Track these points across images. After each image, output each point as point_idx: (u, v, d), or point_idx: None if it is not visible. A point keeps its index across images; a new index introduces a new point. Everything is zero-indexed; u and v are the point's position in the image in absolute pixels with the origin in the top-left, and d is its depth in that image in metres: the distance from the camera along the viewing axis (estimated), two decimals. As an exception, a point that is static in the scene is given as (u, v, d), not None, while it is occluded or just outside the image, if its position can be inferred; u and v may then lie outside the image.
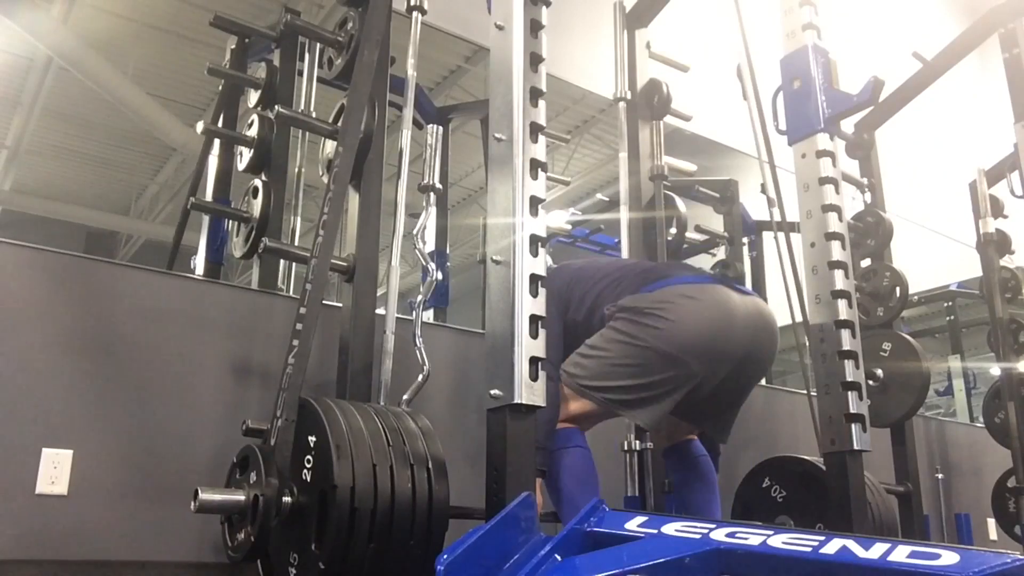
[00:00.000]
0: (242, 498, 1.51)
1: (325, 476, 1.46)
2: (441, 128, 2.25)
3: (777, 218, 2.39)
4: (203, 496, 1.49)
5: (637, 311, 1.95)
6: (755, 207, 3.66)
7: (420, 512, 1.51)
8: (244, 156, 2.59)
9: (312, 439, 1.53)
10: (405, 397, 2.03)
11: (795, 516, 2.47)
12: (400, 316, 2.22)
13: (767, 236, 3.89)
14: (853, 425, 2.08)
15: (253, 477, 1.53)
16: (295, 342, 1.67)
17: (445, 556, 1.13)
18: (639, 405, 1.92)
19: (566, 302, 2.09)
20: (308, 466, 1.52)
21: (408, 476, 1.52)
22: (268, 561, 1.59)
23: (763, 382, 4.06)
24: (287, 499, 1.51)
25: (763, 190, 2.50)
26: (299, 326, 1.68)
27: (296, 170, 2.85)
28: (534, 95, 1.78)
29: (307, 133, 2.93)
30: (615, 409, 1.96)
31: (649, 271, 2.09)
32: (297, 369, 1.63)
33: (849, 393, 2.10)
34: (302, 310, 1.71)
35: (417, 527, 1.50)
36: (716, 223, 3.46)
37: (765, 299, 3.86)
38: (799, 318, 2.26)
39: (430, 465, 1.57)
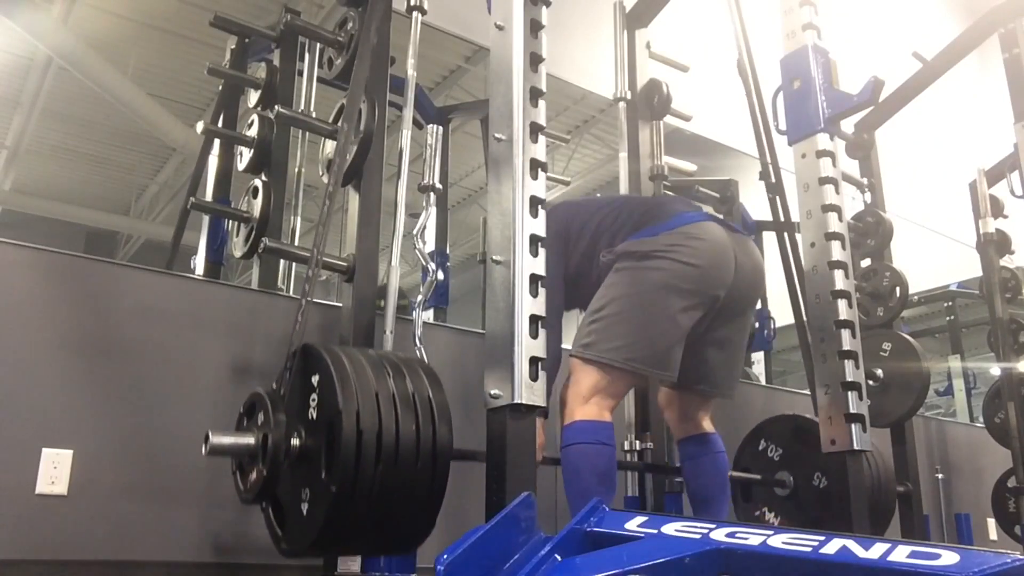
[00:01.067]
0: (252, 440, 1.53)
1: (330, 406, 1.48)
2: (441, 128, 2.25)
3: (778, 218, 2.39)
4: (214, 439, 1.52)
5: (640, 255, 1.96)
6: (755, 207, 3.66)
7: (424, 438, 1.52)
8: (244, 156, 2.59)
9: (316, 378, 1.54)
10: (405, 397, 2.03)
11: (794, 471, 2.53)
12: (400, 316, 2.22)
13: (767, 236, 3.89)
14: (853, 425, 2.08)
15: (261, 419, 1.55)
16: (303, 300, 1.70)
17: (445, 556, 1.13)
18: (655, 358, 1.92)
19: (565, 239, 2.09)
20: (313, 404, 1.54)
21: (411, 403, 1.54)
22: (279, 507, 1.60)
23: (762, 381, 4.08)
24: (295, 441, 1.53)
25: (762, 177, 2.51)
26: (307, 287, 1.71)
27: (296, 170, 2.85)
28: (534, 95, 1.78)
29: (307, 133, 2.93)
30: (635, 367, 1.93)
31: (647, 211, 2.08)
32: (303, 323, 1.66)
33: (849, 393, 2.10)
34: (309, 272, 1.74)
35: (423, 452, 1.51)
36: (716, 223, 3.45)
37: (765, 298, 3.89)
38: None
39: (431, 395, 1.58)
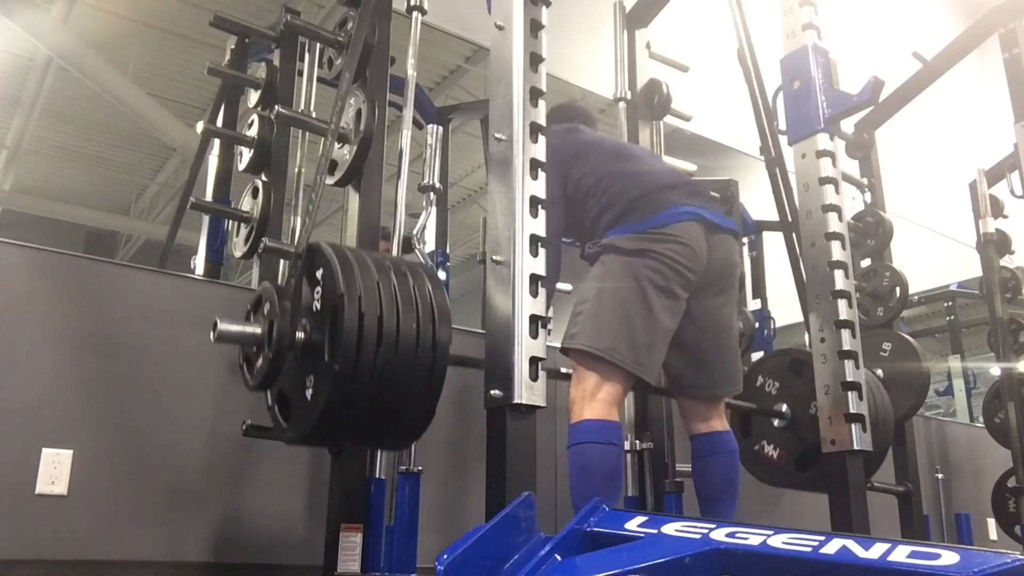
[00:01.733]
0: (258, 330, 1.58)
1: (333, 293, 1.52)
2: (441, 128, 2.25)
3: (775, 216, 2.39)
4: (221, 326, 1.57)
5: (625, 252, 1.99)
6: (755, 207, 3.66)
7: (424, 329, 1.55)
8: (244, 156, 2.59)
9: (320, 272, 1.58)
10: (405, 397, 2.03)
11: (791, 402, 2.57)
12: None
13: (767, 236, 3.90)
14: (853, 425, 2.08)
15: (267, 310, 1.59)
16: (313, 196, 1.73)
17: (445, 556, 1.13)
18: (634, 358, 1.94)
19: (566, 170, 2.12)
20: (317, 296, 1.58)
21: (412, 297, 1.57)
22: (284, 400, 1.64)
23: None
24: (300, 333, 1.57)
25: (761, 151, 2.51)
26: (311, 208, 1.72)
27: (296, 170, 2.85)
28: (534, 95, 1.79)
29: (307, 133, 2.93)
30: (617, 361, 1.94)
31: (636, 199, 2.07)
32: (310, 225, 1.70)
33: (849, 393, 2.10)
34: (317, 179, 1.75)
35: (423, 341, 1.54)
36: (716, 223, 3.46)
37: (765, 298, 3.89)
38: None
39: (432, 293, 1.61)
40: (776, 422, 2.61)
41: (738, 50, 2.57)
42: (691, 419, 2.20)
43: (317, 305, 1.57)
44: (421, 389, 1.56)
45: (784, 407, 2.59)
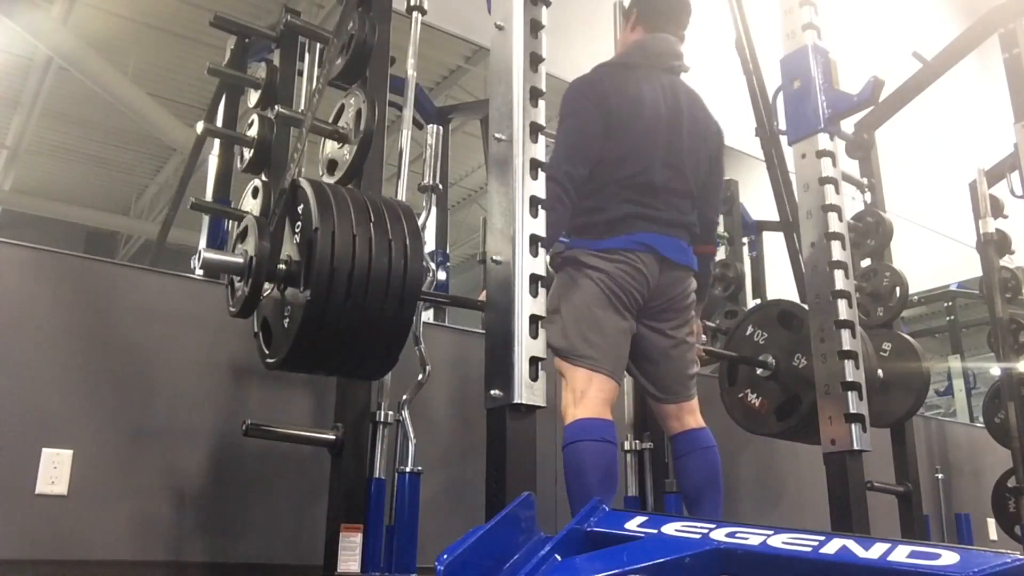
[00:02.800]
0: (241, 260, 1.65)
1: (310, 225, 1.58)
2: (441, 128, 2.25)
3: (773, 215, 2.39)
4: (205, 255, 1.66)
5: (581, 264, 2.09)
6: (755, 207, 3.66)
7: (396, 255, 1.62)
8: (244, 156, 2.59)
9: (300, 207, 1.65)
10: (405, 397, 2.03)
11: (776, 352, 2.62)
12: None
13: (767, 236, 3.90)
14: (853, 425, 2.08)
15: (251, 241, 1.66)
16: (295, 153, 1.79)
17: (445, 556, 1.13)
18: (596, 357, 2.03)
19: (607, 118, 2.13)
20: (297, 230, 1.65)
21: (387, 232, 1.63)
22: (268, 330, 1.72)
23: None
24: (282, 265, 1.64)
25: (756, 133, 2.52)
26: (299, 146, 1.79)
27: (296, 170, 2.85)
28: (534, 95, 1.79)
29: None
30: (586, 364, 2.03)
31: (610, 221, 2.11)
32: (299, 160, 1.76)
33: (849, 393, 2.10)
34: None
35: (394, 273, 1.60)
36: (716, 223, 3.46)
37: (765, 297, 3.89)
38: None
39: (407, 230, 1.66)
40: (760, 372, 2.66)
41: (736, 41, 2.57)
42: (665, 419, 2.25)
43: (297, 238, 1.65)
44: (391, 320, 1.61)
45: (769, 357, 2.63)
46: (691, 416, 2.22)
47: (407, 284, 1.62)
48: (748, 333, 2.72)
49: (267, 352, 1.71)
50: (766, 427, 2.67)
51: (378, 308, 1.59)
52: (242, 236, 1.72)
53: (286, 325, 1.62)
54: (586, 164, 2.10)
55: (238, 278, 1.70)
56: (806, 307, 2.44)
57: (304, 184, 1.66)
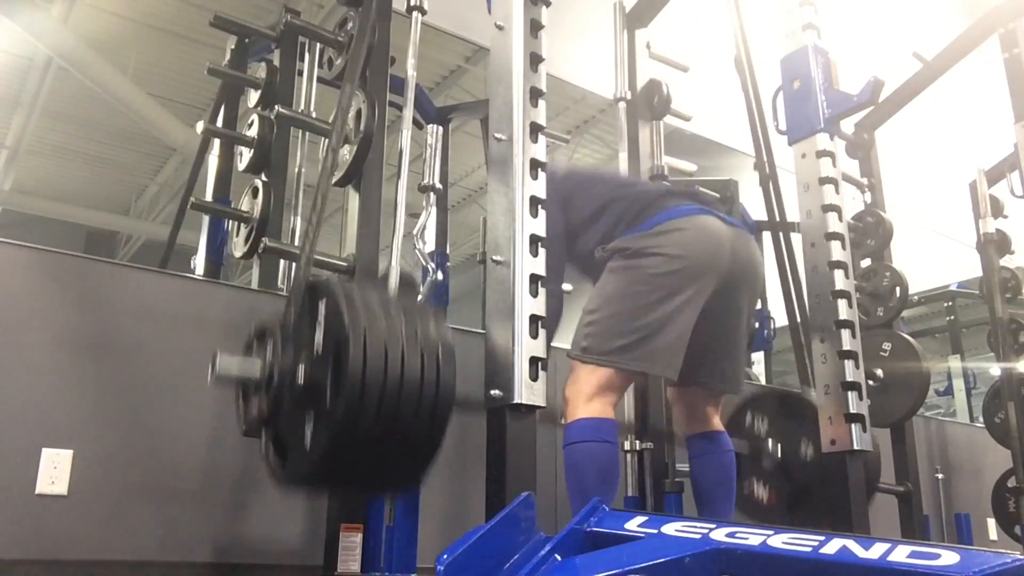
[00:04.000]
0: (258, 370, 1.55)
1: (337, 332, 1.47)
2: (441, 128, 2.25)
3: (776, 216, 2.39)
4: (220, 363, 1.52)
5: (632, 252, 1.98)
6: (755, 207, 3.66)
7: (429, 369, 1.51)
8: (244, 156, 2.59)
9: (322, 310, 1.54)
10: (405, 397, 2.03)
11: (781, 441, 2.54)
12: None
13: (766, 236, 3.89)
14: (853, 425, 2.08)
15: (268, 347, 1.56)
16: (307, 225, 1.70)
17: (445, 556, 1.13)
18: (653, 356, 1.92)
19: (565, 205, 2.09)
20: (319, 335, 1.54)
21: (416, 337, 1.53)
22: (279, 439, 1.60)
23: (763, 381, 4.08)
24: (301, 373, 1.53)
25: (756, 167, 2.51)
26: (313, 219, 1.71)
27: (296, 170, 2.85)
28: (534, 95, 1.79)
29: (307, 133, 2.93)
30: (634, 367, 1.94)
31: (643, 208, 2.07)
32: (313, 242, 1.67)
33: (849, 393, 2.10)
34: (319, 199, 1.73)
35: (427, 381, 1.50)
36: (716, 223, 3.46)
37: (765, 298, 3.89)
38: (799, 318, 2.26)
39: (436, 331, 1.57)
40: (766, 462, 2.56)
41: (736, 57, 2.57)
42: (690, 418, 2.20)
43: (319, 345, 1.52)
44: (425, 434, 1.51)
45: (774, 447, 2.53)
46: (715, 416, 2.20)
47: (441, 389, 1.51)
48: (748, 422, 2.61)
49: (280, 466, 1.57)
50: (778, 520, 2.53)
51: (412, 420, 1.48)
52: (260, 337, 1.60)
53: (308, 442, 1.49)
54: (561, 256, 2.04)
55: (252, 387, 1.57)
56: (803, 395, 2.43)
57: (327, 285, 1.56)
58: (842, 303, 2.15)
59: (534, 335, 1.62)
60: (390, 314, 1.53)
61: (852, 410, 2.09)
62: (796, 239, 2.32)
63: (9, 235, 2.11)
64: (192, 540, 2.09)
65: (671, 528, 1.27)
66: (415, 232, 2.20)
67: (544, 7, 1.86)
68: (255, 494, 2.21)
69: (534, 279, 1.66)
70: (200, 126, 2.68)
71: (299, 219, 2.86)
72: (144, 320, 2.17)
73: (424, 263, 2.20)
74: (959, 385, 6.65)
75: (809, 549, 1.12)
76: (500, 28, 1.84)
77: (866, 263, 3.53)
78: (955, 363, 6.51)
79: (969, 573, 0.99)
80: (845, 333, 2.13)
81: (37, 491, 1.93)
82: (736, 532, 1.20)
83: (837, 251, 2.17)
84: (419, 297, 2.01)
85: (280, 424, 1.57)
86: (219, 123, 2.77)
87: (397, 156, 2.24)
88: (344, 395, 1.42)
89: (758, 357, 4.25)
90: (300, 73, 2.92)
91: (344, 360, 1.43)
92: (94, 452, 2.02)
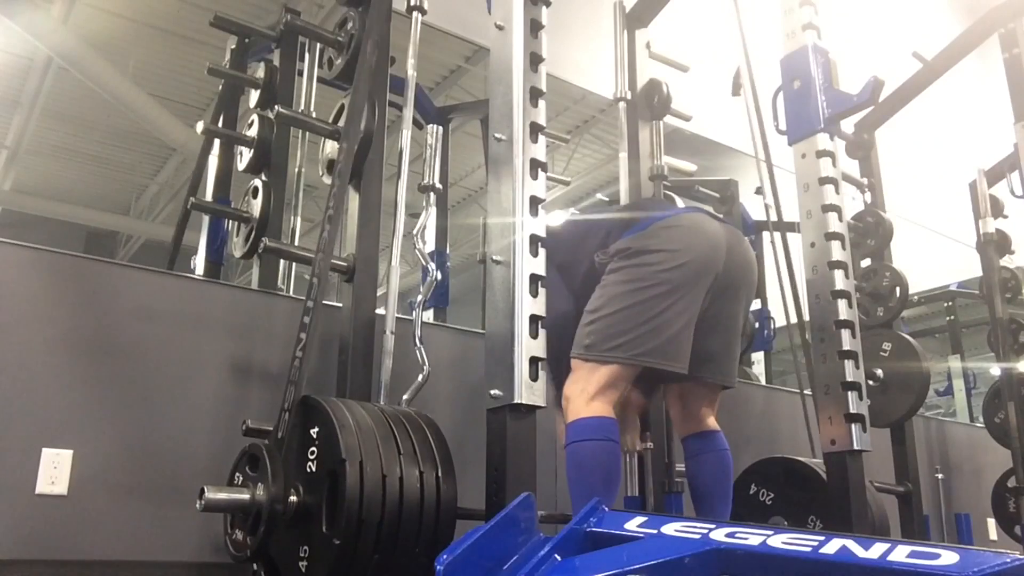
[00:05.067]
0: (247, 497, 1.51)
1: (332, 455, 1.44)
2: (441, 128, 2.25)
3: (774, 217, 2.39)
4: (209, 495, 1.49)
5: (632, 252, 1.99)
6: (755, 207, 3.66)
7: (429, 489, 1.49)
8: (244, 156, 2.59)
9: (315, 430, 1.51)
10: (405, 397, 2.03)
11: (787, 514, 2.48)
12: (400, 316, 2.22)
13: (767, 236, 3.89)
14: (853, 425, 2.08)
15: (258, 478, 1.52)
16: (302, 335, 1.67)
17: (445, 556, 1.13)
18: (664, 350, 1.93)
19: (561, 268, 2.11)
20: (312, 457, 1.50)
21: (414, 455, 1.51)
22: (273, 568, 1.55)
23: (762, 381, 4.08)
24: (293, 498, 1.50)
25: (759, 191, 2.51)
26: (306, 319, 1.68)
27: (296, 170, 2.85)
28: (534, 95, 1.79)
29: (307, 133, 2.93)
30: (645, 362, 1.94)
31: (631, 218, 2.11)
32: (305, 361, 1.63)
33: (849, 393, 2.10)
34: (309, 303, 1.71)
35: (427, 504, 1.47)
36: (716, 223, 3.46)
37: (765, 298, 3.89)
38: (796, 318, 2.26)
39: (435, 447, 1.56)
40: None
41: (737, 70, 2.57)
42: (686, 418, 2.21)
43: (312, 467, 1.49)
44: (426, 557, 1.47)
45: (780, 520, 2.47)
46: (711, 415, 2.21)
47: (443, 505, 1.49)
48: (752, 492, 2.55)
49: None
50: None
51: (412, 541, 1.45)
52: (251, 463, 1.57)
53: (304, 570, 1.44)
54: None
55: (241, 515, 1.54)
56: (811, 464, 2.39)
57: (319, 404, 1.52)
58: (842, 303, 2.14)
59: (534, 335, 1.62)
60: (385, 429, 1.49)
61: (852, 410, 2.09)
62: (796, 239, 2.31)
63: (9, 235, 2.11)
64: (192, 540, 2.09)
65: (671, 528, 1.27)
66: (415, 232, 2.21)
67: (544, 7, 1.86)
68: (255, 494, 2.21)
69: (534, 279, 1.66)
70: (200, 126, 2.68)
71: (299, 219, 2.87)
72: (144, 320, 2.17)
73: (424, 263, 2.20)
74: (959, 385, 6.64)
75: (809, 549, 1.12)
76: (500, 28, 1.84)
77: (866, 263, 3.53)
78: (955, 363, 6.50)
79: (969, 573, 0.99)
80: (845, 333, 2.13)
81: (37, 491, 1.93)
82: (736, 532, 1.20)
83: (837, 251, 2.17)
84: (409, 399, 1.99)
85: (273, 553, 1.53)
86: (219, 123, 2.77)
87: (397, 156, 2.25)
88: (342, 525, 1.38)
89: (758, 357, 4.25)
90: (300, 73, 2.92)
91: (341, 487, 1.39)
92: (94, 452, 2.02)
